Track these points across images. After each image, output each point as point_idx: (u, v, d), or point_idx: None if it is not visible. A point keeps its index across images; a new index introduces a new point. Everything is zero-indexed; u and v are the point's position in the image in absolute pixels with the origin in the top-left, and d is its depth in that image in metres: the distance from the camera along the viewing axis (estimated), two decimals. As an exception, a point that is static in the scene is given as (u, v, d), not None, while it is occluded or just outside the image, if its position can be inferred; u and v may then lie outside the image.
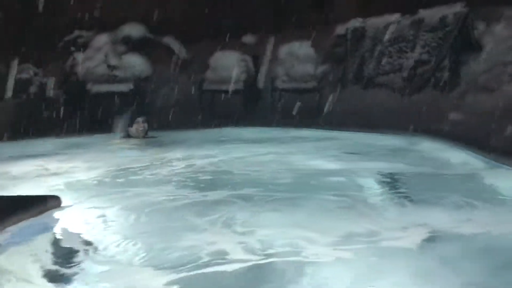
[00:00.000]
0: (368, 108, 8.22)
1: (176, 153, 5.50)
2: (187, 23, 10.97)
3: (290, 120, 8.14)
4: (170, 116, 8.56)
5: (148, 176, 4.36)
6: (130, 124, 6.27)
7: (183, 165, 4.80)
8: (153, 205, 3.35)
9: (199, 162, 4.95)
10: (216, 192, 3.68)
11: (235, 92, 9.06)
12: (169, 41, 10.22)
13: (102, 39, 9.04)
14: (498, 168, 3.69)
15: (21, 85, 7.76)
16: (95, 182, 4.16)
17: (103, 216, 3.13)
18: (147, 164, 4.91)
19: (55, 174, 4.65)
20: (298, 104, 8.32)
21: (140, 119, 6.26)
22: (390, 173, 3.96)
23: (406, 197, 3.33)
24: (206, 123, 8.31)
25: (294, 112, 8.09)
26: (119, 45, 9.26)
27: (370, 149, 5.46)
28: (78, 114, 8.02)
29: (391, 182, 3.73)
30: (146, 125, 6.30)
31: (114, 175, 4.39)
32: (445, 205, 3.11)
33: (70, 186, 4.02)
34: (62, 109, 7.96)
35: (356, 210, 3.12)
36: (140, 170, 4.62)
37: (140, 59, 9.15)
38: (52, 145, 6.35)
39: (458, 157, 4.39)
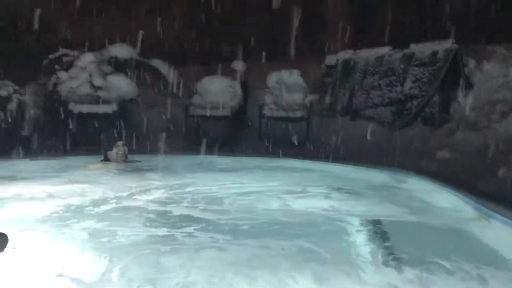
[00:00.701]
0: (355, 140, 8.09)
1: (146, 182, 5.25)
2: (176, 47, 10.90)
3: (277, 149, 7.96)
4: (154, 140, 8.33)
5: (101, 209, 4.08)
6: (110, 148, 6.01)
7: (146, 198, 4.53)
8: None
9: (164, 194, 4.71)
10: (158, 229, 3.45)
11: (222, 118, 8.88)
12: (157, 63, 10.08)
13: (87, 58, 8.85)
14: (491, 218, 3.46)
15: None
16: (46, 216, 3.84)
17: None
18: (112, 195, 4.62)
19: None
20: (295, 135, 8.19)
21: (120, 143, 6.01)
22: (375, 220, 3.71)
23: (391, 254, 2.93)
24: (191, 149, 8.08)
25: (295, 142, 7.98)
26: (104, 65, 9.08)
27: (355, 185, 5.27)
28: (58, 135, 7.75)
29: (375, 231, 3.47)
30: (126, 149, 6.05)
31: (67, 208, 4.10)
32: (448, 272, 2.66)
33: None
34: (40, 129, 7.69)
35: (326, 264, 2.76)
36: (102, 201, 4.34)
37: (126, 80, 8.96)
38: (21, 168, 6.06)
39: (447, 202, 4.15)
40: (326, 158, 6.88)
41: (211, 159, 7.09)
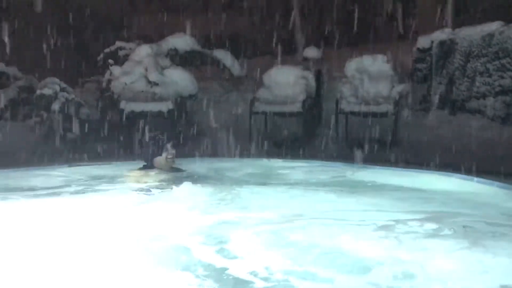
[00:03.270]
0: (457, 140, 6.51)
1: (184, 204, 4.03)
2: (242, 36, 9.83)
3: (357, 151, 6.56)
4: (216, 141, 7.28)
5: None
6: (159, 152, 4.96)
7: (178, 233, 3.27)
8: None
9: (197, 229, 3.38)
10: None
11: (292, 114, 7.62)
12: (221, 55, 9.01)
13: (143, 51, 7.96)
14: None
15: (42, 102, 6.81)
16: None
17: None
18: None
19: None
20: (380, 133, 6.74)
21: (168, 146, 4.97)
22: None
23: None
24: (257, 151, 6.91)
25: (379, 142, 6.54)
26: (162, 58, 8.15)
27: (463, 212, 3.70)
28: (107, 138, 6.92)
29: None
30: (174, 152, 5.00)
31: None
32: None
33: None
34: (90, 131, 6.91)
35: None
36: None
37: (185, 74, 7.96)
38: (56, 176, 5.22)
39: None
40: (421, 165, 5.40)
41: (280, 165, 5.85)
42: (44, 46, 8.17)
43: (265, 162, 6.00)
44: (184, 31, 8.94)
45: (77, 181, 5.00)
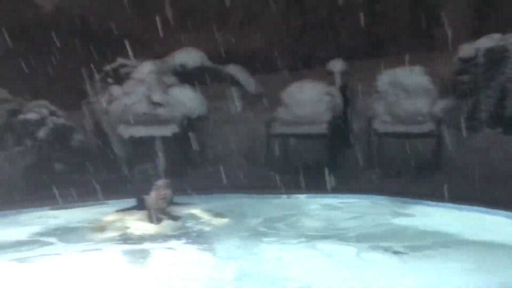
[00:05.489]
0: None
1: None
2: (257, 51, 8.91)
3: (396, 180, 5.51)
4: (227, 170, 6.26)
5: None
6: (150, 189, 3.95)
7: None
8: None
9: None
10: None
11: (316, 137, 6.59)
12: (234, 71, 8.08)
13: (146, 69, 7.07)
14: None
15: (26, 128, 5.91)
16: None
17: None
18: None
19: None
20: (421, 157, 5.62)
21: (160, 182, 3.95)
22: None
23: None
24: (274, 181, 5.84)
25: (421, 168, 5.39)
26: (167, 75, 7.23)
27: None
28: (102, 168, 5.98)
29: None
30: (169, 192, 3.97)
31: None
32: None
33: None
34: (81, 159, 5.98)
35: None
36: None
37: (193, 93, 7.03)
38: (25, 224, 4.25)
39: None
40: (474, 199, 4.30)
41: (297, 204, 4.75)
42: (37, 65, 7.36)
43: (285, 200, 4.91)
44: (197, 47, 8.07)
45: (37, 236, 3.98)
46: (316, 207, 4.63)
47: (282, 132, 6.68)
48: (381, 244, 3.23)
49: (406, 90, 6.40)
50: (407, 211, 4.22)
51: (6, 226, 4.27)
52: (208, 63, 7.99)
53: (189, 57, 7.80)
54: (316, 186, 5.40)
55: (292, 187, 5.56)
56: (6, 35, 7.44)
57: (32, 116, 5.96)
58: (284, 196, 5.05)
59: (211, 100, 7.40)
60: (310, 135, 6.55)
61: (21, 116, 5.98)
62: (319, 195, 4.96)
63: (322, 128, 6.50)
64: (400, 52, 8.34)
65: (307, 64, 8.81)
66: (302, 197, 4.92)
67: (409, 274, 2.81)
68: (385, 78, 6.60)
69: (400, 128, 6.09)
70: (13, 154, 5.67)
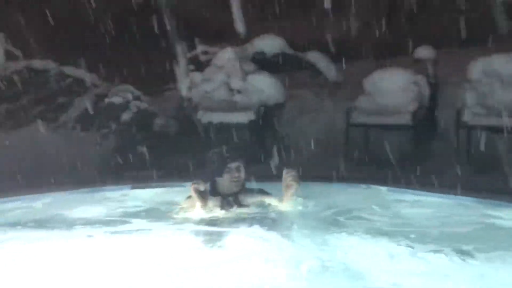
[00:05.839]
0: None
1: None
2: (340, 38, 8.61)
3: (485, 177, 5.08)
4: (305, 160, 6.14)
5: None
6: (220, 173, 3.84)
7: None
8: None
9: None
10: None
11: (399, 128, 6.26)
12: (315, 58, 7.88)
13: (226, 55, 7.09)
14: None
15: (111, 112, 6.15)
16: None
17: None
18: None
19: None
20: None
21: (233, 165, 3.83)
22: None
23: None
24: (353, 173, 5.61)
25: None
26: (246, 62, 7.21)
27: None
28: (183, 151, 6.09)
29: None
30: (241, 174, 3.86)
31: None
32: None
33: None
34: (161, 143, 6.13)
35: None
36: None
37: (271, 80, 6.95)
38: (111, 201, 4.40)
39: None
40: None
41: (375, 196, 4.48)
42: (125, 51, 7.65)
43: (364, 191, 4.66)
44: (278, 34, 7.96)
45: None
46: (395, 200, 4.35)
47: (363, 122, 6.42)
48: (464, 247, 2.94)
49: (502, 80, 5.87)
50: (497, 213, 3.84)
51: (93, 203, 4.45)
52: (288, 50, 7.85)
53: (269, 44, 7.71)
54: (396, 180, 5.10)
55: (371, 179, 5.30)
56: (101, 22, 7.81)
57: (116, 100, 6.22)
58: (363, 186, 4.80)
59: (290, 87, 7.29)
60: (393, 125, 6.23)
61: (107, 100, 6.26)
62: (399, 189, 4.66)
63: (407, 119, 6.15)
64: (495, 39, 7.72)
65: (393, 52, 8.40)
66: (383, 189, 4.64)
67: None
68: (479, 67, 6.09)
69: (493, 121, 5.59)
70: (99, 136, 5.96)
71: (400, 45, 8.57)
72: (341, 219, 3.75)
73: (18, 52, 7.60)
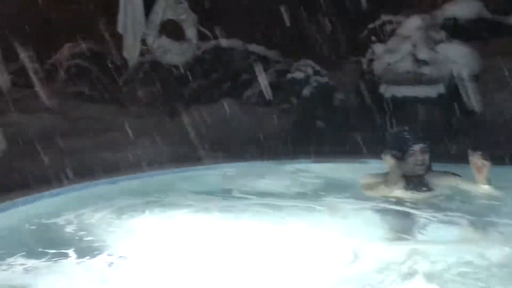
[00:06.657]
0: None
1: None
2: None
3: None
4: (501, 142, 5.40)
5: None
6: (402, 156, 3.52)
7: None
8: None
9: None
10: None
11: None
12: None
13: (412, 24, 6.56)
14: None
15: (293, 87, 6.14)
16: None
17: None
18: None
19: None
20: None
21: (416, 147, 3.48)
22: None
23: None
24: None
25: None
26: (436, 31, 6.57)
27: None
28: (362, 127, 5.87)
29: None
30: (426, 158, 3.50)
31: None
32: None
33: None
34: (341, 118, 5.97)
35: None
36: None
37: (464, 50, 6.22)
38: (287, 175, 4.42)
39: None
40: None
41: None
42: (306, 26, 7.63)
43: None
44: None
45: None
46: None
47: None
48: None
49: None
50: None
51: (272, 176, 4.56)
52: (486, 15, 6.94)
53: (463, 8, 6.90)
54: None
55: None
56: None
57: (298, 75, 6.23)
58: None
59: (486, 57, 6.44)
60: None
61: (288, 75, 6.32)
62: None
63: None
64: None
65: None
66: None
67: None
68: None
69: None
70: (280, 111, 6.06)
71: None
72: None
73: (208, 33, 8.14)
